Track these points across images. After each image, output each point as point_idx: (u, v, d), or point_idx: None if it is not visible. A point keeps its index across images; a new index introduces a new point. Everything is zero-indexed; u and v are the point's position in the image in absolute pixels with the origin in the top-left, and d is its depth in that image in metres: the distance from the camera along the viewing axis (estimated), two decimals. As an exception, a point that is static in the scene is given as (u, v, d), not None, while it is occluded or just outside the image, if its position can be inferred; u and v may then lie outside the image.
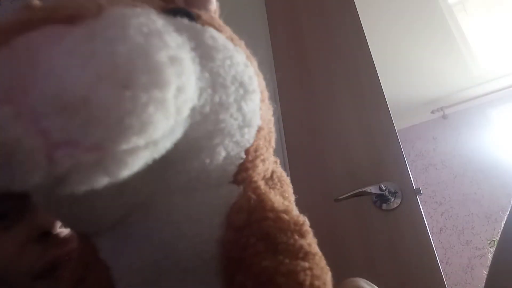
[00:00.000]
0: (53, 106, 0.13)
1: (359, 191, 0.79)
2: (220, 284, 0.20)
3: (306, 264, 0.19)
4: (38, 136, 0.13)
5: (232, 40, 0.22)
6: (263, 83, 0.24)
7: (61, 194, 0.15)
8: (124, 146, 0.14)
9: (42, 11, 0.17)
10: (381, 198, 0.81)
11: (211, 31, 0.21)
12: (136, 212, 0.20)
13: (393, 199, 0.81)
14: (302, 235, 0.20)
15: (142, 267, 0.20)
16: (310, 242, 0.21)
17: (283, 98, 1.01)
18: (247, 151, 0.22)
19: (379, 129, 0.88)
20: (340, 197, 0.80)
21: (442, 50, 2.24)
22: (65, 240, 0.37)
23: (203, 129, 0.19)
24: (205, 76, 0.19)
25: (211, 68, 0.19)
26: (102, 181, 0.15)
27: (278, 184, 0.26)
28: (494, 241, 2.32)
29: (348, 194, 0.80)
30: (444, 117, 2.86)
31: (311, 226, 0.22)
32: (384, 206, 0.82)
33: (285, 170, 0.29)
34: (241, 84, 0.20)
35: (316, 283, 0.18)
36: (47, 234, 0.36)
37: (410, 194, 0.80)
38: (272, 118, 0.26)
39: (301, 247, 0.20)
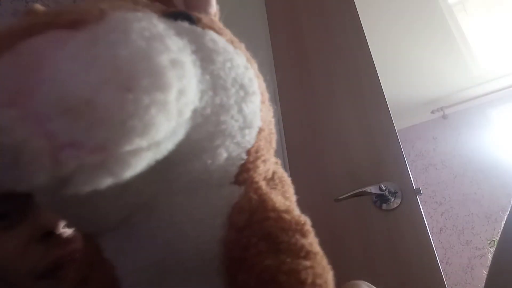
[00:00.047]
0: (57, 109, 0.13)
1: (359, 191, 0.79)
2: (223, 284, 0.20)
3: (308, 263, 0.19)
4: (43, 138, 0.14)
5: (232, 43, 0.22)
6: (264, 85, 0.24)
7: (65, 195, 0.16)
8: (127, 147, 0.14)
9: (45, 16, 0.17)
10: (381, 198, 0.82)
11: (211, 34, 0.21)
12: (139, 212, 0.20)
13: (393, 199, 0.81)
14: (303, 235, 0.21)
15: (146, 266, 0.21)
16: (312, 241, 0.21)
17: (283, 99, 1.01)
18: (248, 152, 0.22)
19: (379, 129, 0.88)
20: (340, 197, 0.80)
21: (442, 50, 2.24)
22: (68, 240, 0.37)
23: (204, 131, 0.19)
24: (206, 78, 0.19)
25: (211, 71, 0.19)
26: (106, 182, 0.15)
27: (279, 184, 0.26)
28: (494, 241, 2.32)
29: (348, 194, 0.80)
30: (444, 117, 2.86)
31: (311, 226, 0.22)
32: (384, 206, 0.82)
33: (285, 170, 0.29)
34: (242, 86, 0.21)
35: (318, 281, 0.19)
36: (50, 234, 0.37)
37: (410, 194, 0.81)
38: (273, 120, 0.26)
39: (303, 246, 0.20)
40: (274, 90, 1.02)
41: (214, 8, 0.25)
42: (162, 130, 0.15)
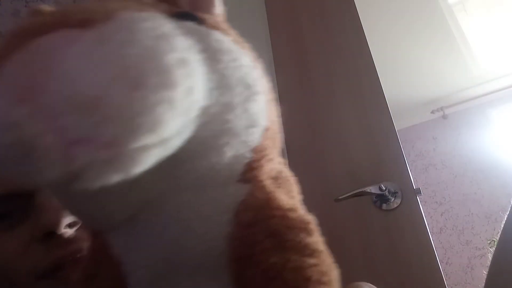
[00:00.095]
0: (68, 105, 0.14)
1: (359, 191, 0.79)
2: (229, 280, 0.21)
3: (313, 261, 0.19)
4: (54, 134, 0.14)
5: (237, 43, 0.23)
6: (268, 85, 0.25)
7: (75, 190, 0.16)
8: (136, 144, 0.15)
9: (55, 16, 0.18)
10: (381, 198, 0.82)
11: (217, 34, 0.21)
12: (147, 209, 0.21)
13: (393, 199, 0.81)
14: (308, 233, 0.21)
15: (153, 262, 0.21)
16: (317, 240, 0.21)
17: (283, 99, 1.01)
18: (253, 151, 0.22)
19: (379, 129, 0.88)
20: (340, 197, 0.80)
21: (442, 50, 2.24)
22: (69, 240, 0.37)
23: (210, 129, 0.20)
24: (212, 77, 0.19)
25: (217, 70, 0.20)
26: (115, 178, 0.15)
27: (284, 183, 0.26)
28: (494, 241, 2.32)
29: (348, 194, 0.80)
30: (444, 117, 2.86)
31: (316, 225, 0.22)
32: (384, 206, 0.82)
33: (285, 170, 0.29)
34: (247, 86, 0.21)
35: (323, 279, 0.19)
36: (51, 234, 0.37)
37: (410, 194, 0.81)
38: (278, 119, 0.26)
39: (308, 244, 0.20)
40: (274, 90, 1.02)
41: (219, 9, 0.26)
42: (170, 127, 0.15)
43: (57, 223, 0.36)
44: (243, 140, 0.21)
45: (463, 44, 2.26)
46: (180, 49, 0.17)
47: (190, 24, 0.21)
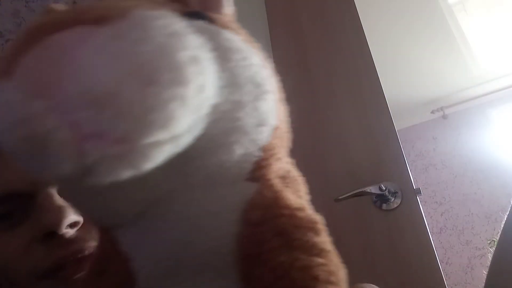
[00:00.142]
0: (82, 101, 0.14)
1: (359, 191, 0.79)
2: (237, 278, 0.21)
3: (321, 261, 0.19)
4: (68, 128, 0.14)
5: (247, 42, 0.23)
6: (278, 85, 0.25)
7: (87, 185, 0.16)
8: (148, 140, 0.15)
9: (71, 13, 0.18)
10: (381, 198, 0.82)
11: (227, 33, 0.22)
12: (157, 206, 0.21)
13: (393, 199, 0.81)
14: (316, 233, 0.21)
15: (162, 259, 0.21)
16: (325, 239, 0.21)
17: (283, 99, 1.01)
18: (262, 149, 0.22)
19: (379, 129, 0.88)
20: (340, 197, 0.80)
21: (442, 50, 2.24)
22: (70, 241, 0.37)
23: (221, 126, 0.20)
24: (222, 76, 0.19)
25: (228, 69, 0.20)
26: (127, 173, 0.16)
27: (292, 183, 0.26)
28: (494, 241, 2.32)
29: (348, 194, 0.80)
30: (444, 117, 2.86)
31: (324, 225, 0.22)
32: (384, 206, 0.82)
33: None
34: (257, 84, 0.21)
35: (331, 279, 0.19)
36: (52, 235, 0.37)
37: (410, 194, 0.81)
38: (287, 119, 0.26)
39: (316, 244, 0.20)
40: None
41: (229, 9, 0.26)
42: (182, 124, 0.16)
43: (58, 223, 0.36)
44: (252, 138, 0.21)
45: (463, 44, 2.26)
46: (192, 47, 0.17)
47: (200, 23, 0.21)
